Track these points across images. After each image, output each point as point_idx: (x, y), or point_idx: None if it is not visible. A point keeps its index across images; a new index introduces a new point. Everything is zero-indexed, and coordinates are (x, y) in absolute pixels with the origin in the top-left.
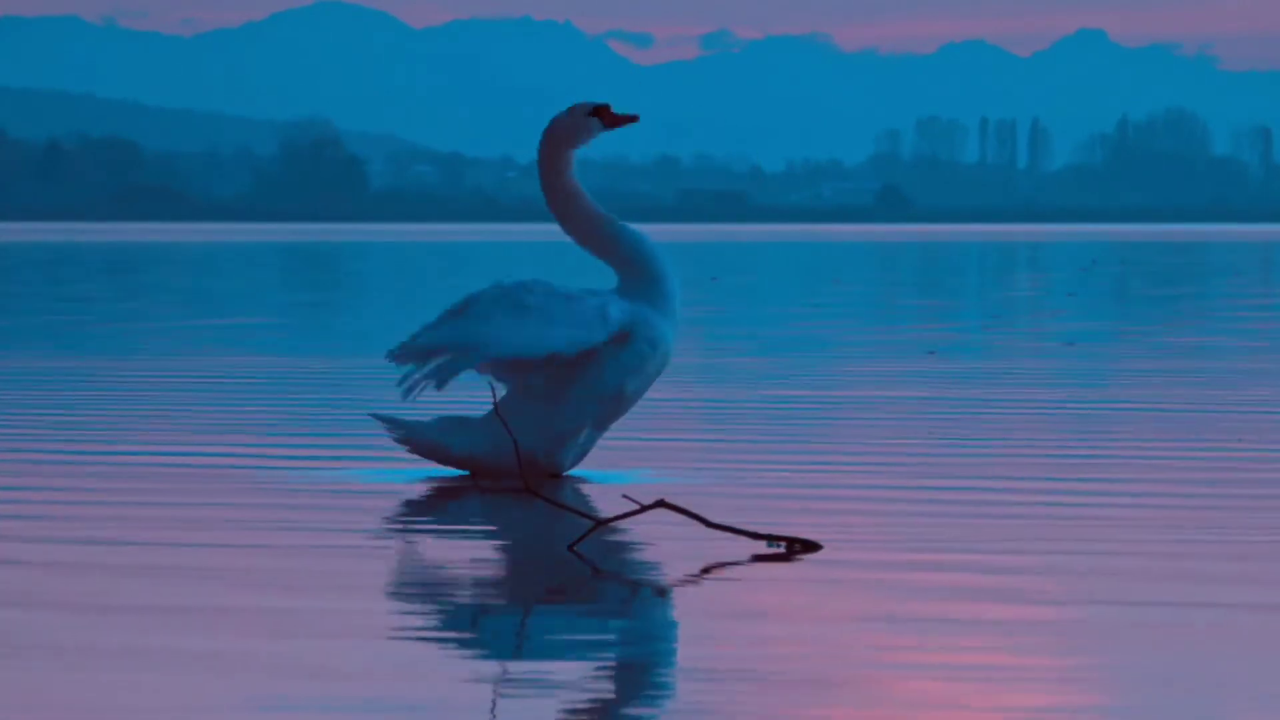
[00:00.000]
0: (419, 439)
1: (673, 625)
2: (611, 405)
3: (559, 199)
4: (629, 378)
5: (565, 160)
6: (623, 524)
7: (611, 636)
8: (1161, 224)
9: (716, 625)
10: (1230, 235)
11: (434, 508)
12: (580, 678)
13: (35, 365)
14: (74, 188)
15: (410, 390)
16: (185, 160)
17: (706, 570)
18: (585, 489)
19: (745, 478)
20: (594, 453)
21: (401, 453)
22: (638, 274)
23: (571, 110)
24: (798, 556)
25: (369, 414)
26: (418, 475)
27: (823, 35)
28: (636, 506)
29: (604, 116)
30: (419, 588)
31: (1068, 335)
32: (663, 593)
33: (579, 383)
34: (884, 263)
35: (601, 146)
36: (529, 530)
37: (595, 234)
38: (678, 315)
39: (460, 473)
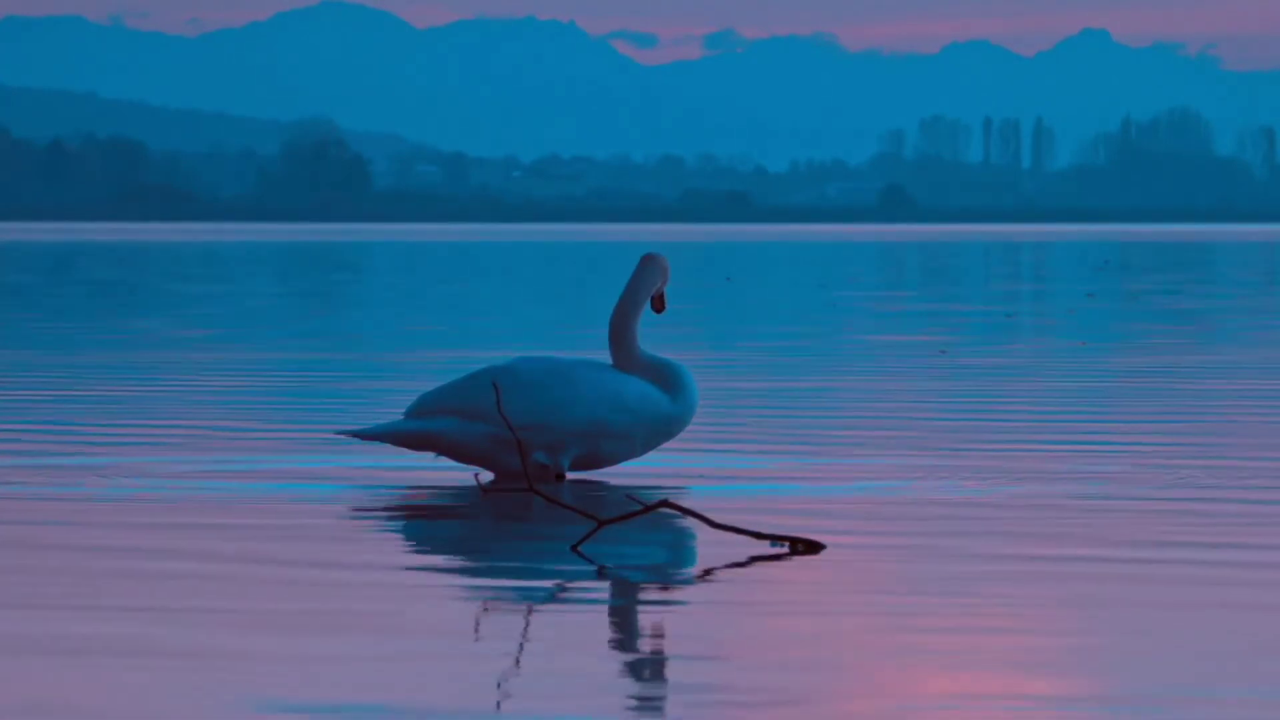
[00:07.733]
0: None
1: (676, 625)
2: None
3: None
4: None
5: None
6: (626, 524)
7: (615, 636)
8: (1165, 224)
9: (719, 625)
10: (1234, 235)
11: (437, 508)
12: (583, 677)
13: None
14: (78, 187)
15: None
16: (189, 160)
17: (710, 570)
18: (589, 489)
19: (749, 478)
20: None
21: (401, 454)
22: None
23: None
24: (801, 556)
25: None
26: (419, 476)
27: (827, 35)
28: (640, 506)
29: (657, 300)
30: (421, 588)
31: (1083, 335)
32: (666, 589)
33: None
34: (893, 263)
35: (605, 146)
36: (532, 530)
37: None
38: (687, 406)
39: (464, 475)
